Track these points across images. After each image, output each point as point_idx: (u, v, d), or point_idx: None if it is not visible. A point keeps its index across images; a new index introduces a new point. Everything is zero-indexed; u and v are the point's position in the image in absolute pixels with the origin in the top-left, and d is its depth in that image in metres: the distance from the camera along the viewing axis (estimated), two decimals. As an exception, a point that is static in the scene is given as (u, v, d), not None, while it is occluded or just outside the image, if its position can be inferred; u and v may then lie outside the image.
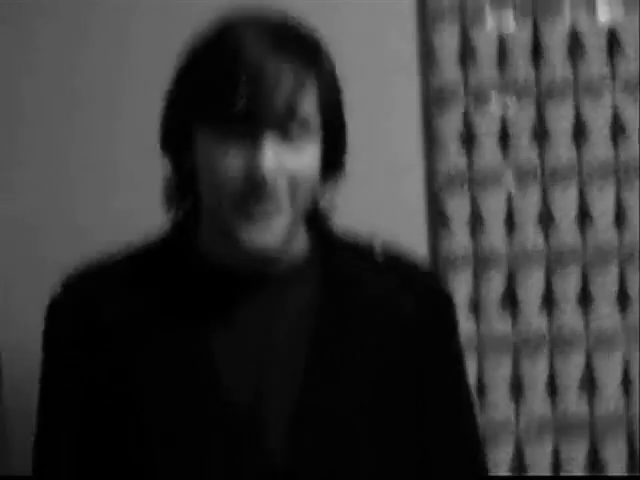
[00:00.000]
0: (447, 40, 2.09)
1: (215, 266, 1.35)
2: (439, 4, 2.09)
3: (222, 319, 1.33)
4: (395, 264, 1.44)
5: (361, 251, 1.44)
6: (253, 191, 1.24)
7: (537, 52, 2.11)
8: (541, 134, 2.11)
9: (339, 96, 1.34)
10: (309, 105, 1.27)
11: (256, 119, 1.23)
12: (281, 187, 1.26)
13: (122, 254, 1.41)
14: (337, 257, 1.41)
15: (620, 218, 2.11)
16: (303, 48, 1.28)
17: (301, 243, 1.39)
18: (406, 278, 1.43)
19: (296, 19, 1.32)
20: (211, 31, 1.31)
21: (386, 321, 1.37)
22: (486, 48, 2.09)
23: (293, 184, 1.26)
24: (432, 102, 2.11)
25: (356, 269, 1.41)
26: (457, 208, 2.10)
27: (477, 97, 2.10)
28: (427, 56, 2.11)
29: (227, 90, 1.23)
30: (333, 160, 1.35)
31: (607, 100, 2.10)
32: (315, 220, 1.41)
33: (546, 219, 2.11)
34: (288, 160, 1.25)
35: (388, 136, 2.11)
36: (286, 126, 1.25)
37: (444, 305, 1.45)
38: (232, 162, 1.24)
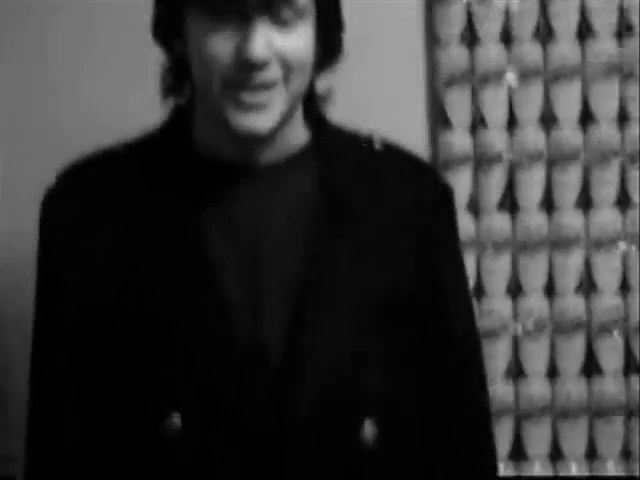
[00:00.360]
0: None
1: (210, 156, 1.33)
2: None
3: (217, 210, 1.32)
4: (395, 156, 1.42)
5: (360, 141, 1.42)
6: (244, 74, 1.22)
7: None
8: (544, 34, 2.08)
9: None
10: None
11: (246, 2, 1.20)
12: (273, 70, 1.23)
13: (119, 146, 1.40)
14: (335, 146, 1.39)
15: (623, 118, 2.09)
16: None
17: (297, 131, 1.37)
18: (406, 170, 1.41)
19: None
20: None
21: (386, 213, 1.36)
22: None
23: (286, 67, 1.24)
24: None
25: (354, 158, 1.39)
26: (458, 107, 2.08)
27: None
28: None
29: None
30: (328, 43, 1.32)
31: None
32: (312, 108, 1.39)
33: (548, 119, 2.09)
34: (280, 43, 1.23)
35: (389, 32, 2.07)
36: (277, 8, 1.22)
37: (445, 199, 1.43)
38: (223, 46, 1.22)
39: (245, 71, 1.22)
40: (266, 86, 1.23)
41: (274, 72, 1.23)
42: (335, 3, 1.32)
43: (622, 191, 2.09)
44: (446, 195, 1.44)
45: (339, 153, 1.39)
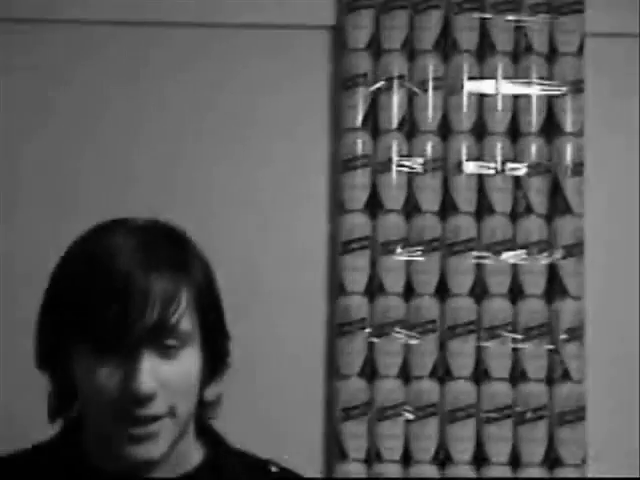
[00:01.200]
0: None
1: (100, 471, 1.30)
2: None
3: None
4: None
5: (254, 463, 1.40)
6: (132, 407, 1.21)
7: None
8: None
9: (215, 299, 1.33)
10: (183, 315, 1.25)
11: (129, 336, 1.21)
12: (159, 402, 1.22)
13: (16, 454, 1.35)
14: (230, 467, 1.36)
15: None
16: (173, 256, 1.26)
17: (191, 449, 1.35)
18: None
19: (166, 223, 1.31)
20: (80, 243, 1.30)
21: None
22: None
23: (172, 396, 1.23)
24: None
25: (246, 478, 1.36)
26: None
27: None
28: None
29: (97, 308, 1.21)
30: (216, 357, 1.32)
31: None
32: (205, 425, 1.38)
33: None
34: (166, 372, 1.22)
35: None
36: (162, 339, 1.23)
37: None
38: (109, 380, 1.21)
39: (133, 405, 1.21)
40: (154, 418, 1.23)
41: (160, 406, 1.22)
42: (219, 319, 1.33)
43: None
44: None
45: (233, 473, 1.36)
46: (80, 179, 2.28)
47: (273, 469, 1.40)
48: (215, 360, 1.32)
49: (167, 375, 1.22)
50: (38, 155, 2.29)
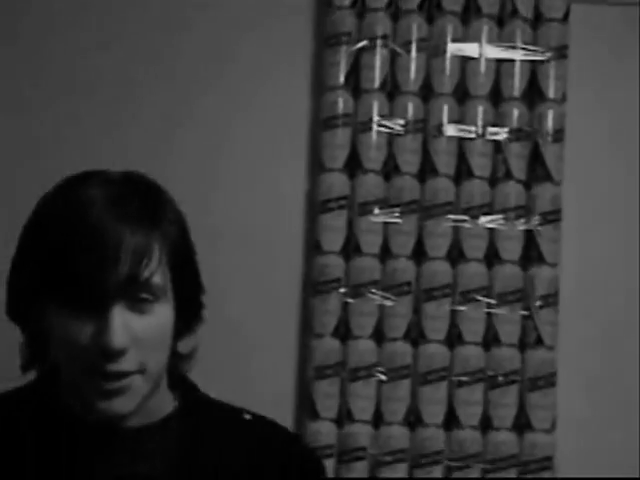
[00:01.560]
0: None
1: (76, 416, 1.29)
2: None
3: (77, 472, 1.26)
4: (264, 426, 1.39)
5: (227, 411, 1.39)
6: (103, 362, 1.20)
7: None
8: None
9: (189, 253, 1.32)
10: (156, 269, 1.24)
11: (102, 289, 1.20)
12: (130, 358, 1.21)
13: None
14: (202, 414, 1.36)
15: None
16: (146, 209, 1.25)
17: (163, 398, 1.34)
18: (274, 440, 1.38)
19: (141, 176, 1.29)
20: (54, 195, 1.28)
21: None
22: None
23: (144, 352, 1.22)
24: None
25: (221, 426, 1.36)
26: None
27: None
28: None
29: (68, 262, 1.20)
30: (189, 311, 1.31)
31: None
32: (178, 374, 1.37)
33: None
34: (138, 326, 1.21)
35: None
36: (133, 294, 1.21)
37: (312, 468, 1.39)
38: (80, 333, 1.19)
39: (103, 360, 1.20)
40: (124, 374, 1.22)
41: (131, 362, 1.21)
42: (193, 273, 1.32)
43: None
44: (314, 464, 1.41)
45: (206, 420, 1.36)
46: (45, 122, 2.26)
47: (246, 416, 1.39)
48: (189, 314, 1.31)
49: (139, 329, 1.21)
50: None
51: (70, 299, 1.19)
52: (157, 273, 1.22)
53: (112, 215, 1.20)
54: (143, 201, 1.24)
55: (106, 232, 1.19)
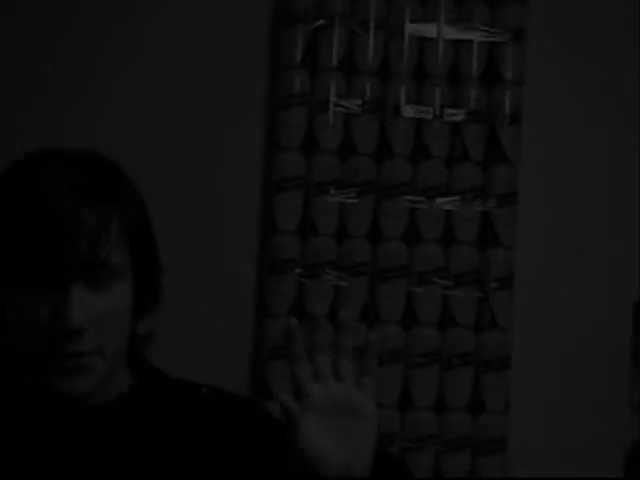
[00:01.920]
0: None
1: (32, 396, 1.27)
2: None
3: (34, 451, 1.24)
4: (220, 396, 1.39)
5: (183, 386, 1.38)
6: (60, 341, 1.18)
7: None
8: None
9: (148, 233, 1.31)
10: (114, 249, 1.23)
11: (60, 268, 1.18)
12: (88, 337, 1.20)
13: None
14: (158, 388, 1.35)
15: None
16: (105, 188, 1.23)
17: (121, 375, 1.33)
18: (232, 407, 1.37)
19: (101, 155, 1.29)
20: (11, 172, 1.26)
21: (205, 452, 1.31)
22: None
23: (102, 331, 1.21)
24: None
25: (177, 400, 1.35)
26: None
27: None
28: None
29: (24, 240, 1.18)
30: (148, 291, 1.30)
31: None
32: (135, 352, 1.36)
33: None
34: (96, 306, 1.20)
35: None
36: (91, 273, 1.20)
37: (275, 433, 1.39)
38: (37, 312, 1.18)
39: (61, 340, 1.18)
40: (81, 354, 1.20)
41: (88, 342, 1.20)
42: (152, 252, 1.31)
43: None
44: (276, 428, 1.40)
45: (162, 395, 1.35)
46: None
47: (203, 390, 1.39)
48: (148, 294, 1.30)
49: (98, 309, 1.19)
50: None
51: (28, 278, 1.17)
52: (116, 253, 1.20)
53: (70, 193, 1.18)
54: (102, 180, 1.23)
55: (64, 210, 1.17)
